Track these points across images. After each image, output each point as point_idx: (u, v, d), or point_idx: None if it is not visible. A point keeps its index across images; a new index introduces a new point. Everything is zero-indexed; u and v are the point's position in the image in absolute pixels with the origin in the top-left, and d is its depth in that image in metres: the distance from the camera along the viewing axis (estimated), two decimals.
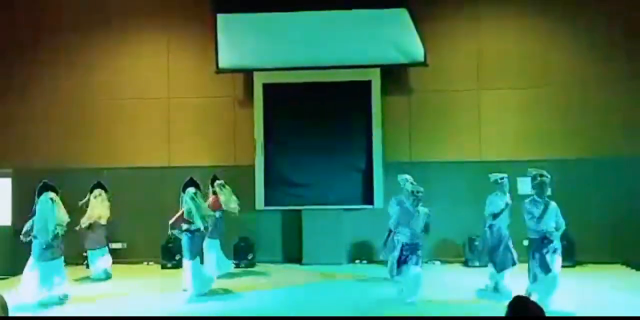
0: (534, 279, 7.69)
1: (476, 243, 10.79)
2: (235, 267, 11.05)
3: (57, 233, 8.53)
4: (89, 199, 10.40)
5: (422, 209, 8.18)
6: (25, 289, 8.37)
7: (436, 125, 11.67)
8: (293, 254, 11.62)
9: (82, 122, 12.11)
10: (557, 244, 7.71)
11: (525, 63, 11.62)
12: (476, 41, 11.74)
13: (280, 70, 11.52)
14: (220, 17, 11.51)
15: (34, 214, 8.63)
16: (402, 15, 11.25)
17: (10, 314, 3.71)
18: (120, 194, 11.04)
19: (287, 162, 11.60)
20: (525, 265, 7.97)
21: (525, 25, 11.73)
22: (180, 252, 9.64)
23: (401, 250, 8.12)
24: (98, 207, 10.39)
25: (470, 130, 11.63)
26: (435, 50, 11.43)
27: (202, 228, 8.95)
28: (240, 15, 11.53)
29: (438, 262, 11.09)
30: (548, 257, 7.56)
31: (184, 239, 8.98)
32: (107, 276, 10.40)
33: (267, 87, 11.68)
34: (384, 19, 11.30)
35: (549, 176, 7.79)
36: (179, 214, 9.00)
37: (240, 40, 11.53)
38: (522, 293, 7.22)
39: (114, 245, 11.39)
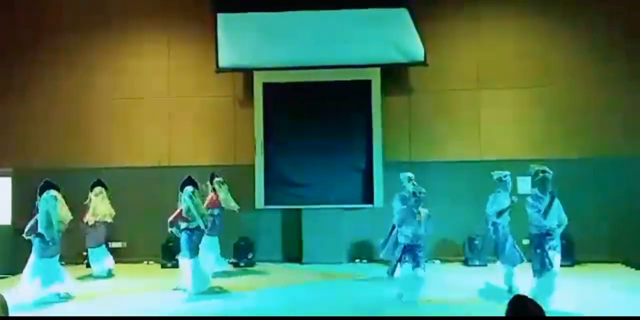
0: (534, 275, 7.68)
1: (476, 242, 10.82)
2: (235, 266, 11.09)
3: (60, 230, 8.57)
4: (90, 198, 10.45)
5: (422, 210, 8.14)
6: (25, 287, 8.38)
7: (436, 125, 11.68)
8: (293, 253, 11.62)
9: (82, 122, 12.12)
10: (557, 241, 7.70)
11: (525, 63, 11.62)
12: (476, 41, 11.75)
13: (280, 69, 11.53)
14: (220, 16, 11.52)
15: (36, 213, 8.64)
16: (402, 15, 11.27)
17: (10, 314, 3.69)
18: (120, 194, 11.05)
19: (287, 161, 11.60)
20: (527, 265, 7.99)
21: (525, 25, 11.73)
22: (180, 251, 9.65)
23: (402, 251, 8.12)
24: (101, 205, 10.44)
25: (470, 130, 11.64)
26: (435, 50, 11.44)
27: (201, 226, 8.99)
28: (241, 15, 11.54)
29: (438, 262, 11.08)
30: (550, 253, 7.56)
31: (183, 237, 9.01)
32: (109, 275, 10.46)
33: (267, 87, 11.69)
34: (384, 18, 11.30)
35: (550, 172, 7.77)
36: (177, 211, 9.04)
37: (240, 40, 11.54)
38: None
39: (114, 245, 11.44)
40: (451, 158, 11.50)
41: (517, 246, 8.72)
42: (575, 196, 10.32)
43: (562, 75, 11.59)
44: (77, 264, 11.19)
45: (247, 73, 11.83)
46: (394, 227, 9.01)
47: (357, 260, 11.52)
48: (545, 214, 7.57)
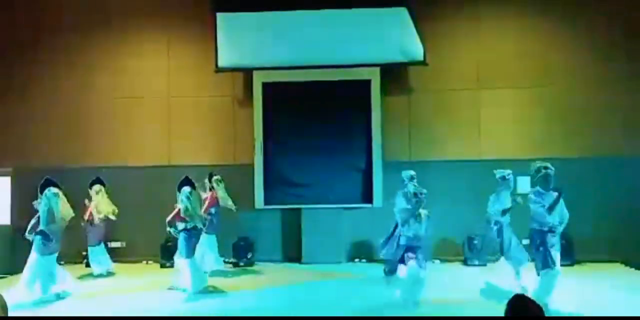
0: (538, 273, 7.66)
1: (475, 242, 10.82)
2: (234, 266, 11.10)
3: (61, 227, 8.62)
4: (92, 196, 10.51)
5: (422, 211, 8.06)
6: (26, 287, 8.38)
7: (436, 125, 11.68)
8: (292, 253, 11.62)
9: (82, 121, 12.11)
10: (557, 239, 7.69)
11: (525, 63, 11.62)
12: (476, 41, 11.75)
13: (280, 69, 11.52)
14: (220, 16, 11.52)
15: (37, 211, 8.69)
16: (401, 14, 11.27)
17: (10, 314, 3.69)
18: (120, 193, 11.04)
19: (287, 161, 11.60)
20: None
21: (525, 25, 11.73)
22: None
23: (403, 251, 8.07)
24: (103, 203, 10.49)
25: (470, 129, 11.64)
26: (435, 49, 11.44)
27: (199, 226, 9.05)
28: (240, 15, 11.54)
29: (437, 261, 11.07)
30: (552, 251, 7.55)
31: (181, 238, 9.07)
32: (109, 274, 10.52)
33: (266, 86, 11.69)
34: (384, 18, 11.31)
35: (553, 168, 7.75)
36: (175, 211, 9.06)
37: (239, 39, 11.54)
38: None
39: (113, 244, 11.44)
40: (451, 158, 11.50)
41: (521, 245, 8.70)
42: (575, 196, 10.29)
43: (562, 75, 11.59)
44: (75, 263, 11.20)
45: (247, 73, 11.83)
46: (396, 226, 8.97)
47: (356, 260, 11.53)
48: (551, 209, 7.54)
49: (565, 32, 11.68)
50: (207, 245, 10.42)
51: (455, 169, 11.37)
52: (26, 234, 8.59)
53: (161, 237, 10.69)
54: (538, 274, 7.66)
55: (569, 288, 8.03)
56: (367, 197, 11.52)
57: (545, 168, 7.73)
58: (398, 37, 11.33)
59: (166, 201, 9.74)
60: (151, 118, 12.06)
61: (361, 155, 11.65)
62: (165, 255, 11.00)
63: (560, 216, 7.68)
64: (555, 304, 7.35)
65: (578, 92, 11.52)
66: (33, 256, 8.53)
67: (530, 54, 11.62)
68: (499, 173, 8.95)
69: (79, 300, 8.60)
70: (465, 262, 10.97)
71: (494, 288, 8.87)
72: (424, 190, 8.04)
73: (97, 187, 10.58)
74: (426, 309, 7.65)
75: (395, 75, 11.72)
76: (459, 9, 11.72)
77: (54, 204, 8.55)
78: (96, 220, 10.40)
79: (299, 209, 11.51)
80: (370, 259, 11.39)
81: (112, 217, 10.55)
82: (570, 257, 10.24)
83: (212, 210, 10.49)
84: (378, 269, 10.22)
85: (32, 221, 8.61)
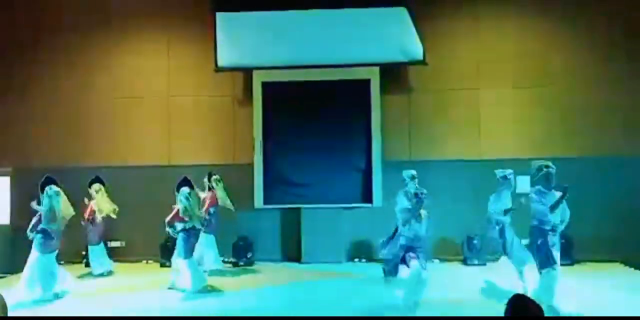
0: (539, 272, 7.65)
1: (475, 241, 10.82)
2: (234, 266, 11.11)
3: (62, 225, 8.68)
4: (92, 195, 10.55)
5: (422, 212, 8.02)
6: (27, 285, 8.41)
7: (435, 124, 11.69)
8: (292, 253, 11.63)
9: (82, 121, 12.11)
10: (557, 239, 7.69)
11: (524, 63, 11.63)
12: (476, 40, 11.75)
13: (279, 68, 11.53)
14: (219, 15, 11.52)
15: (36, 211, 8.72)
16: (401, 14, 11.27)
17: (10, 313, 3.69)
18: (120, 193, 11.04)
19: (286, 160, 11.61)
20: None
21: (525, 25, 11.73)
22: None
23: (404, 251, 8.03)
24: (103, 202, 10.52)
25: (470, 129, 11.65)
26: (435, 49, 11.45)
27: (197, 226, 9.10)
28: (240, 14, 11.55)
29: (437, 261, 11.08)
30: (553, 250, 7.55)
31: (180, 238, 9.09)
32: (109, 274, 10.55)
33: (266, 86, 11.70)
34: (383, 17, 11.30)
35: (554, 167, 7.73)
36: (174, 212, 9.07)
37: (239, 39, 11.54)
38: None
39: (113, 244, 11.45)
40: (451, 157, 11.50)
41: (523, 245, 8.67)
42: (575, 196, 10.26)
43: (562, 75, 11.59)
44: (74, 262, 11.20)
45: (247, 72, 11.84)
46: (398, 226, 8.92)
47: (356, 260, 11.53)
48: (554, 208, 7.52)
49: (565, 32, 11.68)
50: (206, 245, 10.45)
51: (455, 168, 11.38)
52: (28, 232, 8.60)
53: (161, 236, 10.69)
54: (540, 273, 7.64)
55: (569, 288, 8.01)
56: (367, 197, 11.52)
57: (547, 167, 7.70)
58: (398, 36, 11.34)
59: (166, 201, 9.74)
60: (151, 118, 12.06)
61: (361, 155, 11.65)
62: (165, 254, 11.00)
63: (561, 215, 7.66)
64: (555, 304, 7.34)
65: (578, 92, 11.53)
66: (34, 255, 8.55)
67: (530, 54, 11.63)
68: (500, 173, 8.93)
69: (79, 299, 8.60)
70: (464, 262, 10.98)
71: (494, 288, 8.86)
72: (425, 191, 8.02)
73: (96, 186, 10.60)
74: (426, 309, 7.64)
75: (395, 75, 11.72)
76: (458, 9, 11.74)
77: (56, 202, 8.58)
78: (98, 219, 10.43)
79: (299, 209, 11.51)
80: (370, 258, 11.39)
81: (113, 216, 10.57)
82: (570, 256, 10.24)
83: (211, 210, 10.52)
84: (378, 269, 10.18)
85: (34, 219, 8.63)
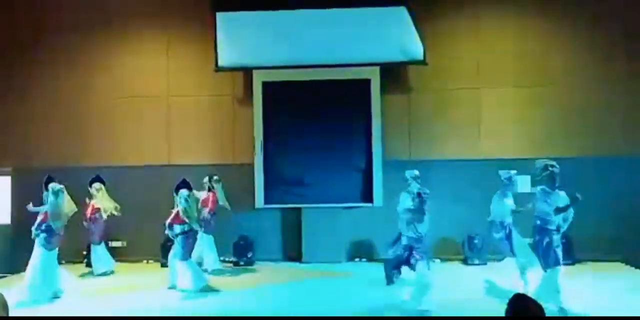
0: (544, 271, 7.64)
1: (475, 241, 10.81)
2: (234, 265, 11.12)
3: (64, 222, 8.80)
4: (92, 194, 10.60)
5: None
6: (30, 283, 8.44)
7: (436, 124, 11.69)
8: (293, 252, 11.63)
9: (82, 121, 12.11)
10: (559, 238, 7.68)
11: (525, 62, 11.63)
12: (476, 40, 11.75)
13: (280, 68, 11.53)
14: (219, 15, 11.51)
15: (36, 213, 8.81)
16: (401, 13, 11.26)
17: (11, 313, 3.69)
18: (120, 193, 11.04)
19: (287, 160, 11.60)
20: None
21: (525, 25, 11.73)
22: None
23: (409, 252, 7.99)
24: (105, 200, 10.59)
25: (470, 128, 11.64)
26: (435, 49, 11.45)
27: (195, 228, 9.14)
28: (240, 14, 11.54)
29: (437, 260, 11.07)
30: (558, 250, 7.54)
31: (180, 240, 9.12)
32: (110, 273, 10.60)
33: (266, 85, 11.69)
34: (384, 17, 11.30)
35: (558, 167, 7.73)
36: (174, 214, 9.08)
37: (239, 39, 11.54)
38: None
39: (114, 244, 11.45)
40: (451, 157, 11.50)
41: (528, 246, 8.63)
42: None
43: (562, 75, 11.59)
44: (75, 262, 11.20)
45: (247, 72, 11.83)
46: None
47: (356, 259, 11.53)
48: (559, 211, 7.53)
49: (565, 32, 11.68)
50: (205, 245, 10.46)
51: (455, 168, 11.37)
52: (33, 230, 8.66)
53: (161, 236, 10.68)
54: (545, 271, 7.61)
55: (570, 287, 8.00)
56: (367, 197, 11.51)
57: (552, 166, 7.69)
58: (398, 36, 11.33)
59: (166, 200, 9.75)
60: (151, 117, 12.06)
61: (361, 155, 11.65)
62: (166, 254, 10.89)
63: (564, 214, 7.66)
64: (562, 304, 7.33)
65: (578, 92, 11.53)
66: (38, 252, 8.62)
67: (530, 54, 11.63)
68: (505, 174, 8.84)
69: (79, 299, 8.61)
70: (465, 262, 10.98)
71: (495, 287, 8.87)
72: (427, 190, 8.00)
73: (97, 185, 10.66)
74: (426, 309, 7.64)
75: (395, 74, 11.72)
76: (459, 9, 11.73)
77: (60, 200, 8.70)
78: (104, 217, 10.50)
79: (299, 209, 11.51)
80: (371, 258, 11.41)
81: (116, 213, 10.62)
82: (571, 256, 10.24)
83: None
84: (378, 268, 10.18)
85: (39, 217, 8.70)
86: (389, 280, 8.33)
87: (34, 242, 8.69)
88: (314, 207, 11.41)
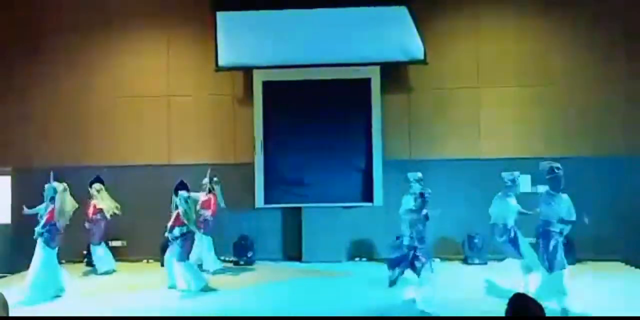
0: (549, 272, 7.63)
1: (476, 240, 10.82)
2: (235, 265, 11.12)
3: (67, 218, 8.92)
4: (92, 194, 10.65)
5: (425, 211, 8.00)
6: (33, 281, 8.46)
7: (436, 124, 11.70)
8: (293, 252, 11.64)
9: (82, 121, 12.11)
10: (562, 240, 7.68)
11: (525, 62, 11.64)
12: (476, 40, 11.76)
13: (280, 68, 11.52)
14: (219, 15, 11.51)
15: (35, 214, 8.90)
16: (402, 13, 11.27)
17: (11, 312, 3.70)
18: (120, 192, 11.06)
19: (287, 160, 11.59)
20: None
21: (525, 25, 11.74)
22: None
23: (413, 252, 7.96)
24: (106, 200, 10.65)
25: (470, 128, 11.65)
26: (435, 48, 11.45)
27: (193, 229, 9.16)
28: (240, 13, 11.54)
29: (438, 260, 11.06)
30: (562, 252, 7.54)
31: (180, 242, 9.12)
32: (111, 272, 10.62)
33: (266, 85, 11.69)
34: (384, 17, 11.31)
35: (562, 169, 7.72)
36: (175, 216, 9.08)
37: (239, 38, 11.53)
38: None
39: (114, 243, 11.45)
40: (451, 156, 11.50)
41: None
42: (575, 195, 10.32)
43: (562, 75, 11.59)
44: (75, 262, 11.21)
45: (247, 72, 11.84)
46: None
47: (356, 259, 11.53)
48: (564, 223, 7.53)
49: (565, 32, 11.69)
50: (204, 246, 10.45)
51: (455, 167, 11.38)
52: (40, 229, 8.70)
53: (161, 236, 10.67)
54: (550, 273, 7.59)
55: (570, 287, 8.01)
56: (368, 196, 11.51)
57: (557, 168, 7.67)
58: (398, 36, 11.33)
59: (166, 200, 9.75)
60: (151, 117, 12.06)
61: (361, 154, 11.65)
62: None
63: (567, 216, 7.66)
64: (554, 304, 7.34)
65: (578, 92, 11.53)
66: (41, 251, 8.66)
67: (530, 54, 11.64)
68: (508, 176, 8.72)
69: (79, 299, 8.61)
70: (465, 261, 10.98)
71: (495, 287, 8.86)
72: (430, 190, 7.98)
73: (97, 185, 10.72)
74: (426, 309, 7.64)
75: (395, 74, 11.73)
76: (459, 8, 11.74)
77: (64, 198, 8.81)
78: (107, 217, 10.57)
79: (299, 208, 11.52)
80: (371, 257, 11.42)
81: (118, 212, 10.68)
82: (572, 256, 10.22)
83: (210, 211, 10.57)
84: (378, 268, 10.21)
85: (45, 217, 8.75)
86: (392, 283, 8.30)
87: (34, 242, 8.72)
88: (314, 206, 11.41)
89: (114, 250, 11.15)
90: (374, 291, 8.74)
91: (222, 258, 11.00)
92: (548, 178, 7.76)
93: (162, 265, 10.98)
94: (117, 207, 10.68)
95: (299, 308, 7.95)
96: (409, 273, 8.02)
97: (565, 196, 7.70)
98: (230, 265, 11.10)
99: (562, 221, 7.61)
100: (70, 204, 8.99)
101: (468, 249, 10.95)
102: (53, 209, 8.76)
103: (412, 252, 7.86)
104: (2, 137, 11.96)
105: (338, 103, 11.61)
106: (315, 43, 11.33)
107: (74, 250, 11.00)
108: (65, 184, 8.93)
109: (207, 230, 10.42)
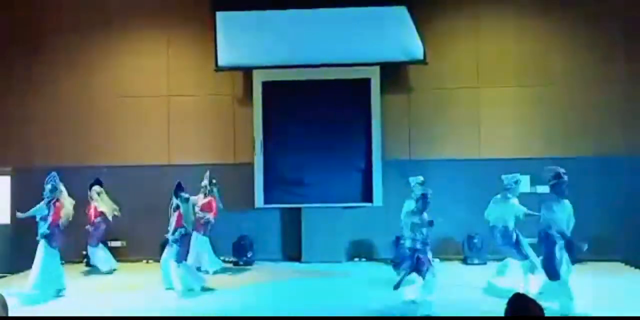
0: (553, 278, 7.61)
1: (475, 240, 10.82)
2: (234, 265, 11.12)
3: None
4: (92, 197, 10.67)
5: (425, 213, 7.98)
6: (36, 281, 8.49)
7: (435, 123, 11.69)
8: (292, 252, 11.64)
9: (82, 121, 12.11)
10: (563, 243, 7.67)
11: (524, 62, 11.64)
12: (476, 40, 11.76)
13: (280, 68, 11.53)
14: (219, 15, 11.51)
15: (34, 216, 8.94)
16: (401, 13, 11.26)
17: (11, 313, 3.69)
18: (119, 192, 11.07)
19: (287, 160, 11.60)
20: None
21: (525, 25, 11.73)
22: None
23: (415, 255, 7.91)
24: (106, 202, 10.69)
25: (470, 128, 11.65)
26: (435, 48, 11.45)
27: (190, 231, 9.26)
28: (240, 13, 11.54)
29: (437, 260, 11.04)
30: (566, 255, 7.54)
31: (179, 244, 9.09)
32: (111, 272, 10.65)
33: (266, 85, 11.69)
34: (384, 17, 11.31)
35: (566, 173, 7.68)
36: (177, 217, 9.07)
37: (239, 38, 11.53)
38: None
39: (113, 244, 11.45)
40: (451, 157, 11.50)
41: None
42: (574, 195, 10.31)
43: (562, 75, 11.59)
44: (75, 262, 11.20)
45: (247, 72, 11.84)
46: None
47: (356, 259, 11.53)
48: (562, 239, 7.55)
49: (565, 32, 11.69)
50: (201, 247, 10.42)
51: (455, 167, 11.37)
52: (46, 230, 8.72)
53: (161, 236, 10.67)
54: (556, 280, 7.58)
55: (573, 288, 8.01)
56: (367, 196, 11.51)
57: (564, 174, 7.63)
58: (398, 36, 11.33)
59: (166, 200, 9.73)
60: (151, 117, 12.06)
61: (361, 154, 11.65)
62: None
63: (567, 221, 7.65)
64: (554, 304, 7.34)
65: (578, 92, 11.53)
66: (46, 250, 8.68)
67: (531, 54, 11.63)
68: (510, 178, 8.60)
69: (79, 298, 8.62)
70: (465, 261, 10.98)
71: (495, 287, 8.83)
72: (431, 190, 7.96)
73: (97, 188, 10.75)
74: (426, 309, 7.63)
75: (395, 74, 11.73)
76: (459, 8, 11.73)
77: (66, 196, 8.96)
78: (109, 220, 10.63)
79: (299, 208, 11.52)
80: (370, 257, 11.42)
81: (117, 214, 10.74)
82: (571, 256, 10.18)
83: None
84: (378, 268, 10.24)
85: (51, 216, 8.76)
86: (397, 286, 8.28)
87: (34, 242, 8.74)
88: (314, 206, 11.41)
89: (113, 251, 11.17)
90: (373, 291, 8.75)
91: (222, 258, 11.00)
92: (553, 183, 7.67)
93: None
94: (116, 210, 10.73)
95: (299, 308, 7.95)
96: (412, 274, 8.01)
97: (567, 202, 7.66)
98: (230, 265, 11.10)
99: (561, 234, 7.54)
100: (69, 203, 9.05)
101: (468, 249, 10.95)
102: (58, 210, 8.78)
103: (416, 254, 7.82)
104: (2, 137, 11.97)
105: (338, 103, 11.61)
106: (315, 43, 11.34)
107: (74, 250, 10.99)
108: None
109: (206, 233, 10.42)
